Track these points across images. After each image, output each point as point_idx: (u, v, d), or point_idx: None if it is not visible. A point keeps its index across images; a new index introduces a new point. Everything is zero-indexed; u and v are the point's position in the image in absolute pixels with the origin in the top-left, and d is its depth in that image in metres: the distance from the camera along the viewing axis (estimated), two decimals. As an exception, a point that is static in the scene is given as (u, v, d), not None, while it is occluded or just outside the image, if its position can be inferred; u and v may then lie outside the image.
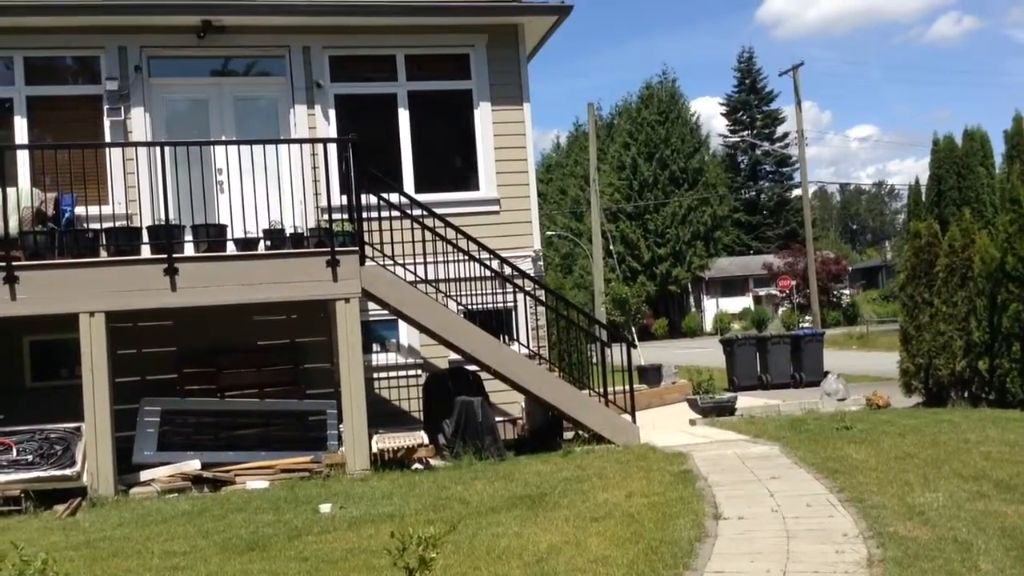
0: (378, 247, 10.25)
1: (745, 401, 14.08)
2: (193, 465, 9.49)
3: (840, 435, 9.88)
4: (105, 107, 11.59)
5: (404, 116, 12.52)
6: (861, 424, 10.62)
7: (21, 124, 11.50)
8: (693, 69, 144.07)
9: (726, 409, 12.86)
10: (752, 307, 59.42)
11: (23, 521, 8.05)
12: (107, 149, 11.07)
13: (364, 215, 10.12)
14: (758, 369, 18.54)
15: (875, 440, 9.42)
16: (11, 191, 9.51)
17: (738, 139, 71.52)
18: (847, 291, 59.55)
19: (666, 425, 12.15)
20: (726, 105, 75.43)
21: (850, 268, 64.36)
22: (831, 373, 15.63)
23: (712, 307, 62.46)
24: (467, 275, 10.71)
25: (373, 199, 10.30)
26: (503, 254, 11.02)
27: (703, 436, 10.92)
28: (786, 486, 7.44)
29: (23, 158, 11.21)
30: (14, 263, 9.12)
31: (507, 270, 10.92)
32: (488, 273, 10.78)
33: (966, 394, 12.54)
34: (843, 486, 7.23)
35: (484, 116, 12.68)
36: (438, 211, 10.76)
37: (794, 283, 48.55)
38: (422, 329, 10.69)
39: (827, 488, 7.25)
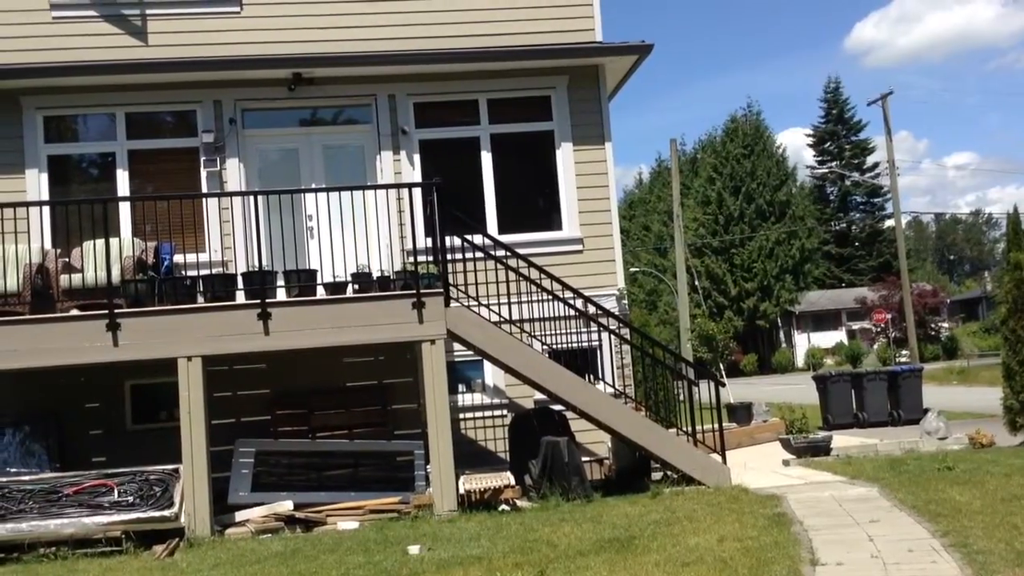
0: (462, 288, 10.36)
1: (840, 440, 13.66)
2: (286, 505, 9.66)
3: (942, 476, 9.49)
4: (201, 158, 12.06)
5: (487, 158, 12.68)
6: (964, 464, 10.20)
7: (122, 176, 12.05)
8: (779, 101, 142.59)
9: (821, 449, 12.49)
10: (845, 342, 57.80)
11: (123, 561, 8.29)
12: (204, 199, 11.52)
13: (448, 257, 10.24)
14: (854, 407, 17.99)
15: (979, 481, 9.02)
16: (113, 241, 9.94)
17: (826, 170, 70.21)
18: (945, 324, 57.50)
19: (758, 465, 11.87)
20: (813, 136, 74.27)
21: (948, 300, 62.16)
22: (931, 410, 15.05)
23: (803, 342, 61.01)
24: (551, 314, 10.71)
25: (457, 241, 10.42)
26: (587, 293, 11.00)
27: (797, 477, 10.63)
28: (886, 530, 7.17)
29: (124, 209, 11.72)
30: (116, 310, 9.50)
31: (591, 309, 10.89)
32: (572, 312, 10.77)
33: (1077, 432, 11.92)
34: (946, 530, 6.93)
35: (566, 156, 12.75)
36: (521, 251, 10.83)
37: (889, 316, 47.12)
38: (507, 369, 10.72)
39: (929, 532, 6.96)
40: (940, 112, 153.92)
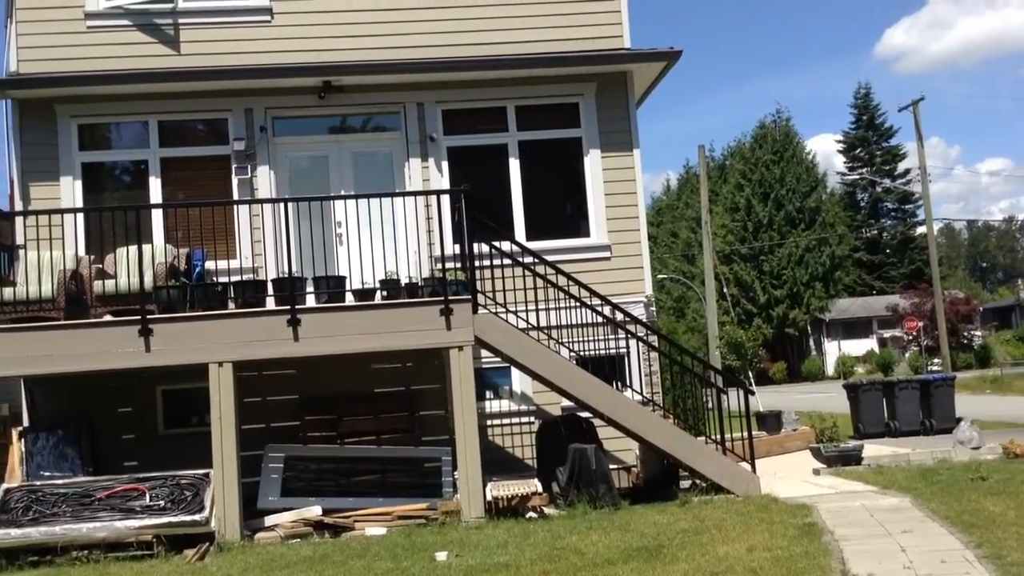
0: (490, 295, 10.37)
1: (872, 449, 13.51)
2: (315, 511, 9.71)
3: (975, 486, 9.36)
4: (233, 166, 12.17)
5: (515, 165, 12.71)
6: (998, 474, 10.05)
7: (155, 184, 12.19)
8: (809, 107, 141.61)
9: (852, 458, 12.36)
10: (876, 350, 57.16)
11: (155, 565, 8.37)
12: (235, 206, 11.63)
13: (476, 263, 10.26)
14: (885, 416, 17.75)
15: (1014, 492, 8.89)
16: (146, 247, 10.05)
17: (857, 176, 69.58)
18: (978, 332, 56.67)
19: (788, 475, 11.77)
20: (843, 142, 73.62)
21: (981, 308, 61.29)
22: (964, 420, 14.82)
23: (833, 350, 60.40)
24: (579, 322, 10.70)
25: (485, 247, 10.44)
26: (615, 300, 10.99)
27: (828, 487, 10.53)
28: (918, 541, 7.09)
29: (157, 216, 11.84)
30: (149, 316, 9.61)
31: (619, 316, 10.86)
32: (600, 319, 10.75)
33: (1115, 442, 11.71)
34: (980, 541, 6.84)
35: (594, 163, 12.74)
36: (549, 258, 10.83)
37: (921, 324, 46.57)
38: (534, 376, 10.71)
39: (963, 543, 6.87)
40: (973, 118, 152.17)
